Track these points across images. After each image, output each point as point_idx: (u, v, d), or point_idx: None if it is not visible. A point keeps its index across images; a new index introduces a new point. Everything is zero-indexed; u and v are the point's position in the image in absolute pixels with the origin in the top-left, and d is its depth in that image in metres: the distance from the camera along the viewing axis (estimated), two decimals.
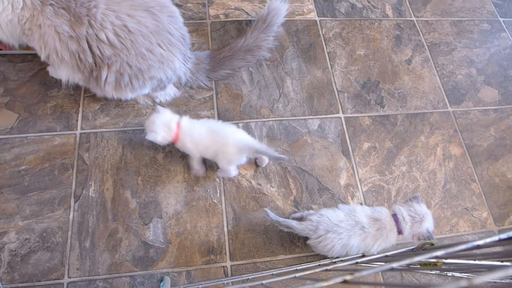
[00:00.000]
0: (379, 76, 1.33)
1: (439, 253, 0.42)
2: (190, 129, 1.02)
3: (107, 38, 0.93)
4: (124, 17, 0.93)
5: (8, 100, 1.15)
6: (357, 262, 0.63)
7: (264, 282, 0.56)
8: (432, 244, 0.73)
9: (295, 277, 0.60)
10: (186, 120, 1.04)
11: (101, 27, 0.92)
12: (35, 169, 1.08)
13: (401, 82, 1.33)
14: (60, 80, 1.07)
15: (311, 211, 1.02)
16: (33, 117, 1.14)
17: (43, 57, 0.98)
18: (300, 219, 1.00)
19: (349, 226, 0.91)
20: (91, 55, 0.95)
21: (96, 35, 0.92)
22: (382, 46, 1.39)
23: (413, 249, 0.66)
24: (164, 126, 1.00)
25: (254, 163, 1.13)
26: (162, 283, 0.87)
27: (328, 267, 0.62)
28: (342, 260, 0.86)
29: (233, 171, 1.06)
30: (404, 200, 0.96)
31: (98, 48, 0.94)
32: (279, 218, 0.97)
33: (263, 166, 1.13)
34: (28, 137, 1.11)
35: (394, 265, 0.40)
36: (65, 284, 0.96)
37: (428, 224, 0.91)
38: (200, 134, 1.01)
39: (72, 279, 0.96)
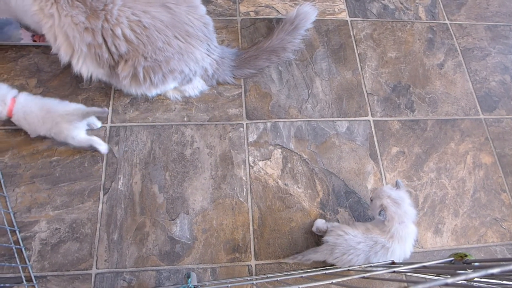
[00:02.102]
0: (410, 79, 1.31)
1: (494, 270, 0.41)
2: (24, 105, 1.02)
3: (122, 33, 0.93)
4: (139, 13, 0.93)
5: (41, 91, 1.17)
6: (394, 271, 0.62)
7: (300, 286, 0.55)
8: (466, 256, 0.72)
9: (331, 283, 0.59)
10: (23, 96, 1.04)
11: (116, 22, 0.92)
12: (66, 160, 1.09)
13: (432, 86, 1.30)
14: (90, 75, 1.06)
15: (335, 224, 1.01)
16: None
17: (54, 49, 0.98)
18: (326, 232, 0.99)
19: (367, 247, 0.89)
20: (107, 51, 0.95)
21: (112, 30, 0.92)
22: (414, 49, 1.36)
23: (451, 260, 0.65)
24: None
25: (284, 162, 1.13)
26: (189, 279, 0.88)
27: (365, 275, 0.62)
28: (371, 266, 0.85)
29: (97, 143, 1.07)
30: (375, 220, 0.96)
31: (114, 44, 0.94)
32: (298, 255, 1.00)
33: (95, 128, 1.13)
34: None
35: (449, 281, 0.39)
36: (93, 275, 0.98)
37: (392, 192, 0.93)
38: (32, 111, 1.01)
39: (100, 270, 0.98)
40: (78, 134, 1.04)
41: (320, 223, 1.04)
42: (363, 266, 0.85)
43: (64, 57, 0.96)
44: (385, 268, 0.70)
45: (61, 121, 1.00)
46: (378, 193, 0.95)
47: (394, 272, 0.62)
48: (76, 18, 0.89)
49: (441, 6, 1.48)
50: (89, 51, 0.94)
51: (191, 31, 1.00)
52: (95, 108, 1.03)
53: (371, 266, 0.85)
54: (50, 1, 0.89)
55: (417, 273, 0.70)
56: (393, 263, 0.86)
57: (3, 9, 1.03)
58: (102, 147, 1.08)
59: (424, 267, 0.63)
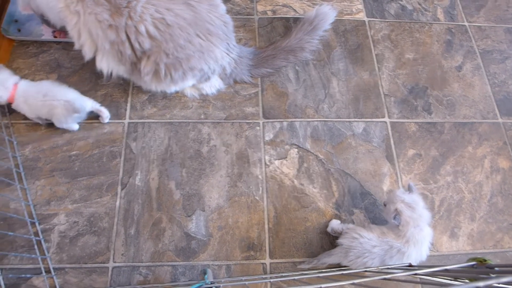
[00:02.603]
0: (428, 81, 1.30)
1: None
2: (25, 90, 1.06)
3: (146, 30, 0.93)
4: (162, 10, 0.94)
5: None
6: (415, 274, 0.62)
7: (323, 286, 0.55)
8: (486, 261, 0.72)
9: (353, 283, 0.60)
10: (24, 83, 1.08)
11: (140, 20, 0.92)
12: (85, 155, 1.11)
13: (450, 89, 1.29)
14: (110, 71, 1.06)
15: (350, 225, 1.01)
16: None
17: (76, 46, 0.99)
18: (341, 233, 1.00)
19: (382, 251, 0.89)
20: (130, 47, 0.96)
21: (135, 27, 0.92)
22: (432, 51, 1.35)
23: (473, 265, 0.64)
24: (0, 84, 1.04)
25: (298, 162, 1.14)
26: (206, 276, 0.89)
27: (386, 277, 0.62)
28: (388, 268, 0.85)
29: (74, 127, 1.13)
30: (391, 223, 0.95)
31: (138, 41, 0.94)
32: (313, 260, 1.00)
33: (105, 122, 1.16)
34: (79, 124, 1.14)
35: (481, 284, 0.39)
36: (110, 268, 0.99)
37: (405, 196, 0.92)
38: (32, 96, 1.05)
39: (117, 264, 0.99)
40: (73, 122, 1.10)
41: (335, 224, 1.05)
42: (380, 267, 0.85)
43: (88, 54, 0.97)
44: (405, 270, 0.69)
45: (59, 107, 1.04)
46: (391, 198, 0.95)
47: (415, 275, 0.62)
48: (100, 16, 0.90)
49: (460, 7, 1.46)
50: (112, 48, 0.95)
51: (212, 30, 1.00)
52: (79, 107, 1.06)
53: (388, 268, 0.85)
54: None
55: (435, 277, 0.70)
56: (410, 265, 0.86)
57: (28, 3, 1.04)
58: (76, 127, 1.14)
59: (446, 270, 0.63)
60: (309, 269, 1.01)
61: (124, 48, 0.94)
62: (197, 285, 0.79)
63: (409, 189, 0.95)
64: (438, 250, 1.08)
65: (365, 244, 0.90)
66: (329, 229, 1.05)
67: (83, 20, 0.91)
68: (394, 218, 0.90)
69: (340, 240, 0.96)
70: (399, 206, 0.91)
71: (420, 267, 0.83)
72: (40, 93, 1.05)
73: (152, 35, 0.93)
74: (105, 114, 1.14)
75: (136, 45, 0.94)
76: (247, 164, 1.12)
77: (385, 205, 0.98)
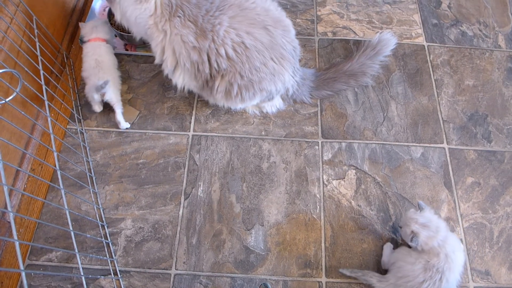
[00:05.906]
0: (488, 109, 1.29)
1: None
2: (94, 53, 1.18)
3: (226, 53, 0.99)
4: (243, 34, 0.98)
5: (131, 97, 1.26)
6: None
7: None
8: None
9: None
10: (104, 47, 1.21)
11: (222, 43, 0.97)
12: (151, 163, 1.17)
13: (511, 117, 1.28)
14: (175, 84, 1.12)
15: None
16: (152, 115, 1.23)
17: (157, 60, 1.06)
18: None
19: (435, 284, 0.88)
20: (208, 67, 1.01)
21: (217, 49, 0.98)
22: (493, 78, 1.34)
23: None
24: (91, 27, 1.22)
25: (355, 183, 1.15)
26: None
27: None
28: None
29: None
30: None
31: (216, 61, 1.00)
32: (358, 272, 1.01)
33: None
34: (147, 133, 1.21)
35: None
36: (172, 275, 1.03)
37: (418, 216, 0.94)
38: (90, 59, 1.17)
39: (178, 271, 1.04)
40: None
41: (387, 253, 1.04)
42: None
43: (169, 69, 1.04)
44: None
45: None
46: (405, 221, 0.96)
47: None
48: (185, 37, 0.96)
49: None
50: (192, 66, 1.00)
51: (284, 54, 1.04)
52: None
53: None
54: (165, 18, 0.96)
55: None
56: None
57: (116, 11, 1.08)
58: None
59: None
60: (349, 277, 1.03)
61: (203, 67, 0.99)
62: None
63: (419, 207, 0.97)
64: (496, 282, 1.06)
65: (414, 281, 0.89)
66: (384, 259, 1.05)
67: (169, 38, 0.97)
68: (411, 240, 0.92)
69: (389, 274, 0.97)
70: (414, 228, 0.93)
71: None
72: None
73: (231, 57, 0.98)
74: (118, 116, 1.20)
75: (214, 65, 0.99)
76: (305, 182, 1.15)
77: (400, 227, 0.99)
